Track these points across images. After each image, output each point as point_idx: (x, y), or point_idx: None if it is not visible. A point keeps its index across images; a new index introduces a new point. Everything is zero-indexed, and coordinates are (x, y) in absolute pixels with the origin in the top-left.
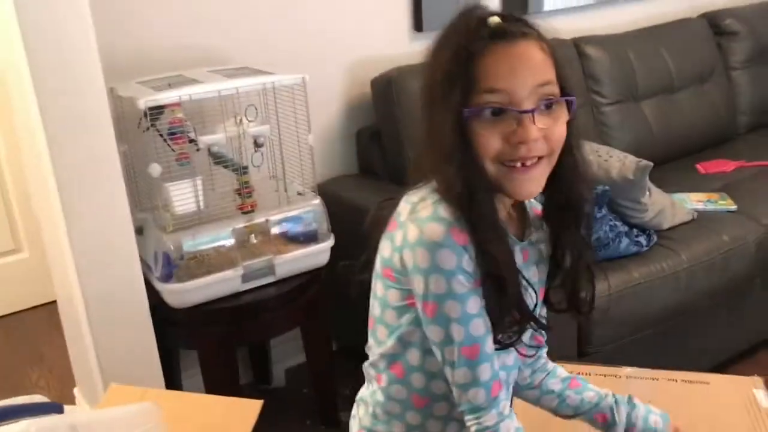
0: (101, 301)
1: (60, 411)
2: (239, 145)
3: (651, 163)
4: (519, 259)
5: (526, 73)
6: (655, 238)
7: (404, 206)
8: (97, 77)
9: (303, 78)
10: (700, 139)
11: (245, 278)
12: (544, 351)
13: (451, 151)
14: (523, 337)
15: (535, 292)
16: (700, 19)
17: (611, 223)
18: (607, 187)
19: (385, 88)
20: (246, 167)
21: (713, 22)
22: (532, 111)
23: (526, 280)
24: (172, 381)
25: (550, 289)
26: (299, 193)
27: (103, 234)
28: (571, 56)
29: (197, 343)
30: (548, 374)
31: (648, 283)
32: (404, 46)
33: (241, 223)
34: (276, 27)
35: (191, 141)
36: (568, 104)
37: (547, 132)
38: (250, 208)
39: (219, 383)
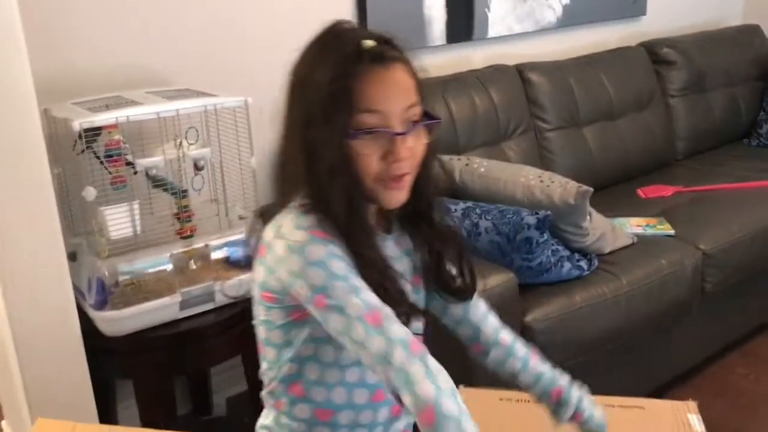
0: (29, 330)
1: None
2: (179, 168)
3: (591, 189)
4: (393, 251)
5: (399, 96)
6: (596, 262)
7: (269, 230)
8: (29, 97)
9: (245, 100)
10: (640, 164)
11: (183, 305)
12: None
13: (336, 168)
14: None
15: (408, 280)
16: (639, 48)
17: (553, 247)
18: (549, 212)
19: None
20: (185, 191)
21: (651, 51)
22: (404, 133)
23: (395, 271)
24: (108, 412)
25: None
26: (241, 217)
27: (33, 260)
28: (515, 82)
29: (132, 372)
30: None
31: (589, 307)
32: None
33: (179, 248)
34: (220, 46)
35: (129, 164)
36: (431, 125)
37: (413, 150)
38: (189, 233)
39: (155, 414)
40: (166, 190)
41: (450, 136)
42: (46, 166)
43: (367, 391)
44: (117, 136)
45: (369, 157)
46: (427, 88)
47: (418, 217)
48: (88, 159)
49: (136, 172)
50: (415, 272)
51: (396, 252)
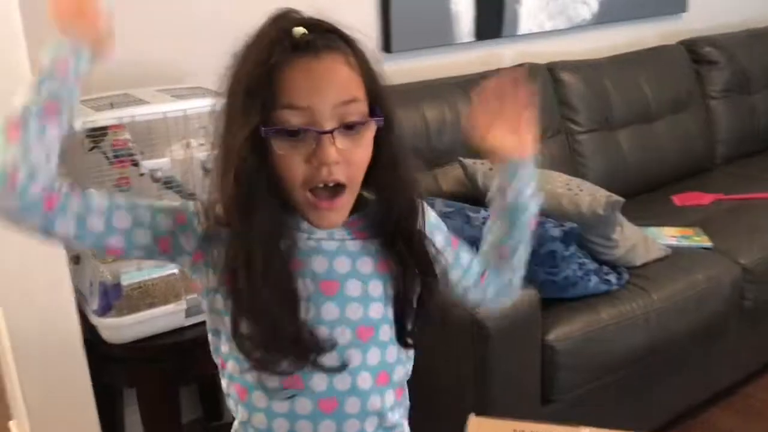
0: (27, 335)
1: None
2: (187, 170)
3: (622, 199)
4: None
5: (329, 90)
6: (626, 276)
7: None
8: None
9: None
10: (676, 170)
11: (189, 312)
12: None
13: (244, 169)
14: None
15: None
16: (679, 47)
17: (579, 260)
18: (575, 225)
19: None
20: (193, 194)
21: (692, 50)
22: (332, 131)
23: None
24: (113, 417)
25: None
26: None
27: (33, 262)
28: (546, 82)
29: (136, 380)
30: None
31: (616, 325)
32: None
33: None
34: (236, 43)
35: (135, 164)
36: (386, 117)
37: (348, 155)
38: None
39: (159, 423)
40: (177, 192)
41: None
42: None
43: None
44: (124, 136)
45: (289, 160)
46: (443, 87)
47: (388, 234)
48: (93, 159)
49: (142, 174)
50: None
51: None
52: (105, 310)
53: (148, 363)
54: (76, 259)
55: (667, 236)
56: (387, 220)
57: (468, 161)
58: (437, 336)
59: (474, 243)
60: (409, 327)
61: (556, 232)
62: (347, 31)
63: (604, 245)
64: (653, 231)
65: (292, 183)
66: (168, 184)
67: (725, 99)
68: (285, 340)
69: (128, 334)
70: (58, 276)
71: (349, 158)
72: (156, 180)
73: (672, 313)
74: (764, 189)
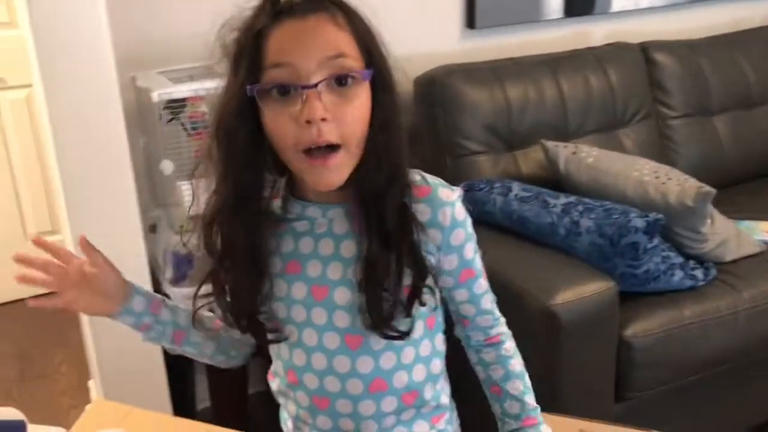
0: None
1: None
2: None
3: (714, 190)
4: (304, 226)
5: (313, 46)
6: (714, 271)
7: None
8: (107, 66)
9: None
10: None
11: None
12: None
13: (234, 129)
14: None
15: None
16: None
17: (664, 254)
18: (660, 216)
19: (428, 88)
20: None
21: None
22: (316, 85)
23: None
24: (184, 384)
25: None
26: None
27: (110, 229)
28: (638, 62)
29: None
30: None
31: (701, 324)
32: (454, 44)
33: None
34: None
35: None
36: (380, 76)
37: (339, 113)
38: None
39: (226, 392)
40: None
41: (558, 120)
42: (125, 137)
43: None
44: (201, 108)
45: (277, 120)
46: (528, 65)
47: (366, 206)
48: (170, 130)
49: None
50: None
51: (340, 228)
52: (178, 280)
53: None
54: (152, 228)
55: (764, 231)
56: (367, 184)
57: (550, 143)
58: (507, 324)
59: (550, 231)
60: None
61: (639, 222)
62: None
63: (692, 238)
64: (748, 225)
65: (284, 145)
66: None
67: None
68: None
69: (200, 303)
70: (135, 244)
71: (340, 116)
72: None
73: (763, 313)
74: None
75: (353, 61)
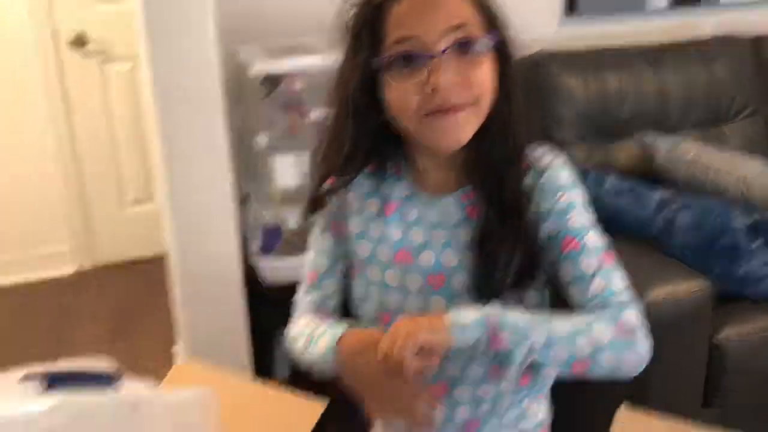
0: (194, 271)
1: (111, 384)
2: None
3: None
4: (413, 215)
5: (436, 16)
6: None
7: None
8: (209, 42)
9: None
10: None
11: None
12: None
13: (356, 106)
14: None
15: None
16: None
17: (766, 257)
18: (764, 217)
19: (528, 74)
20: None
21: None
22: (442, 53)
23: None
24: (269, 356)
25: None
26: None
27: (205, 198)
28: (747, 56)
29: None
30: None
31: None
32: (554, 29)
33: None
34: None
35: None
36: (503, 46)
37: (467, 77)
38: None
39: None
40: None
41: (658, 113)
42: (221, 110)
43: None
44: (298, 85)
45: (401, 91)
46: (630, 55)
47: (484, 176)
48: (266, 105)
49: (312, 123)
50: (446, 247)
51: (437, 217)
52: (266, 251)
53: None
54: (244, 200)
55: None
56: (488, 155)
57: (648, 137)
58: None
59: (644, 226)
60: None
61: (740, 222)
62: None
63: None
64: None
65: (406, 112)
66: None
67: None
68: None
69: (287, 275)
70: (227, 215)
71: (470, 80)
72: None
73: None
74: None
75: (476, 29)
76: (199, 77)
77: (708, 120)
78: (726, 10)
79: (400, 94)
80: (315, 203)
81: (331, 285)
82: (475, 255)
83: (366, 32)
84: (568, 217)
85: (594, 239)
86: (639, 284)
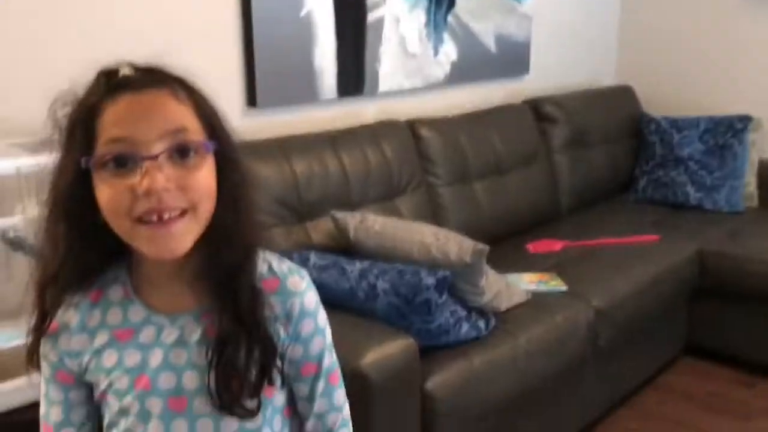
0: None
1: None
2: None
3: (487, 247)
4: (150, 337)
5: (152, 119)
6: (493, 321)
7: None
8: None
9: None
10: (528, 219)
11: None
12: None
13: (67, 207)
14: None
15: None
16: (523, 105)
17: (452, 308)
18: (447, 273)
19: None
20: None
21: (535, 108)
22: (157, 156)
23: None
24: None
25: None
26: None
27: None
28: (406, 137)
29: None
30: None
31: (489, 369)
32: (237, 121)
33: None
34: None
35: None
36: (224, 150)
37: (182, 182)
38: None
39: None
40: (26, 254)
41: (343, 192)
42: None
43: None
44: None
45: (112, 192)
46: (310, 141)
47: (215, 286)
48: None
49: None
50: (190, 368)
51: (175, 337)
52: None
53: None
54: None
55: (527, 281)
56: (216, 263)
57: (339, 214)
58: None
59: (350, 296)
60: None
61: (430, 280)
62: (178, 73)
63: (473, 292)
64: (514, 277)
65: (117, 214)
66: (19, 244)
67: (566, 153)
68: None
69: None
70: None
71: (184, 184)
72: (6, 240)
73: (538, 354)
74: (605, 235)
75: (195, 134)
76: None
77: (384, 195)
78: (383, 98)
79: (112, 196)
80: (36, 332)
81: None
82: (216, 367)
83: (80, 131)
84: (311, 344)
85: (327, 361)
86: (354, 350)
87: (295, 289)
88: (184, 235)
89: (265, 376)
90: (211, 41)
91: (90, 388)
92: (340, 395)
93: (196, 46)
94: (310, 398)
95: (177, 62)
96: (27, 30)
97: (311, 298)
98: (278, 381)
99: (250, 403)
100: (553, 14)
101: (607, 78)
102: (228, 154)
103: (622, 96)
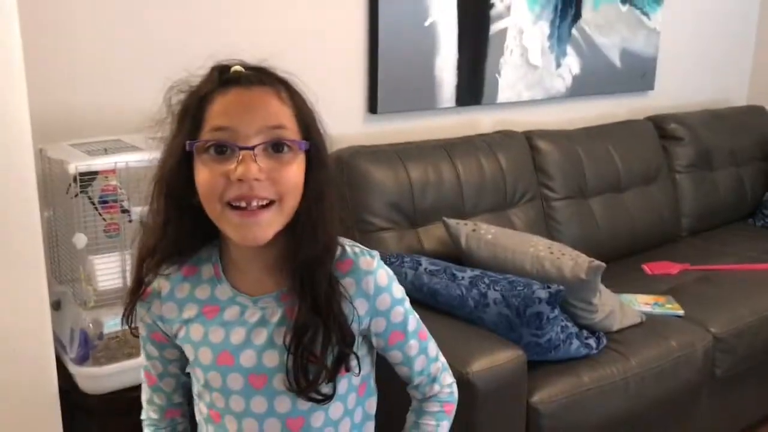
0: (3, 381)
1: None
2: None
3: (604, 264)
4: (233, 316)
5: (255, 114)
6: (604, 340)
7: None
8: (24, 136)
9: None
10: (645, 239)
11: None
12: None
13: (170, 185)
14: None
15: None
16: (647, 122)
17: (562, 323)
18: (561, 287)
19: (336, 167)
20: None
21: (659, 126)
22: (253, 148)
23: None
24: None
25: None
26: None
27: (14, 305)
28: (523, 148)
29: None
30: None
31: (598, 389)
32: (358, 127)
33: None
34: None
35: (124, 211)
36: (315, 151)
37: (274, 174)
38: None
39: None
40: None
41: (456, 199)
42: (37, 208)
43: None
44: (113, 182)
45: (209, 175)
46: (427, 148)
47: (296, 276)
48: (81, 204)
49: (131, 221)
50: (268, 347)
51: (257, 317)
52: (83, 359)
53: (122, 415)
54: (56, 305)
55: (641, 303)
56: (297, 254)
57: (451, 221)
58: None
59: (460, 303)
60: (311, 377)
61: (542, 293)
62: (285, 75)
63: (585, 309)
64: (628, 297)
65: (211, 197)
66: None
67: (690, 174)
68: None
69: (106, 384)
70: (39, 322)
71: (275, 177)
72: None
73: (650, 378)
74: (726, 261)
75: (291, 133)
76: (13, 172)
77: (497, 205)
78: (501, 108)
79: (208, 179)
80: (132, 296)
81: (170, 383)
82: (294, 352)
83: (190, 117)
84: (392, 315)
85: (412, 324)
86: (462, 357)
87: (367, 268)
88: (269, 225)
89: (341, 363)
90: (339, 49)
91: (182, 349)
92: (432, 347)
93: (323, 55)
94: (407, 361)
95: (304, 69)
96: (160, 31)
97: (383, 274)
98: (356, 368)
99: (326, 388)
100: (683, 30)
101: (738, 98)
102: (318, 154)
103: (753, 116)
